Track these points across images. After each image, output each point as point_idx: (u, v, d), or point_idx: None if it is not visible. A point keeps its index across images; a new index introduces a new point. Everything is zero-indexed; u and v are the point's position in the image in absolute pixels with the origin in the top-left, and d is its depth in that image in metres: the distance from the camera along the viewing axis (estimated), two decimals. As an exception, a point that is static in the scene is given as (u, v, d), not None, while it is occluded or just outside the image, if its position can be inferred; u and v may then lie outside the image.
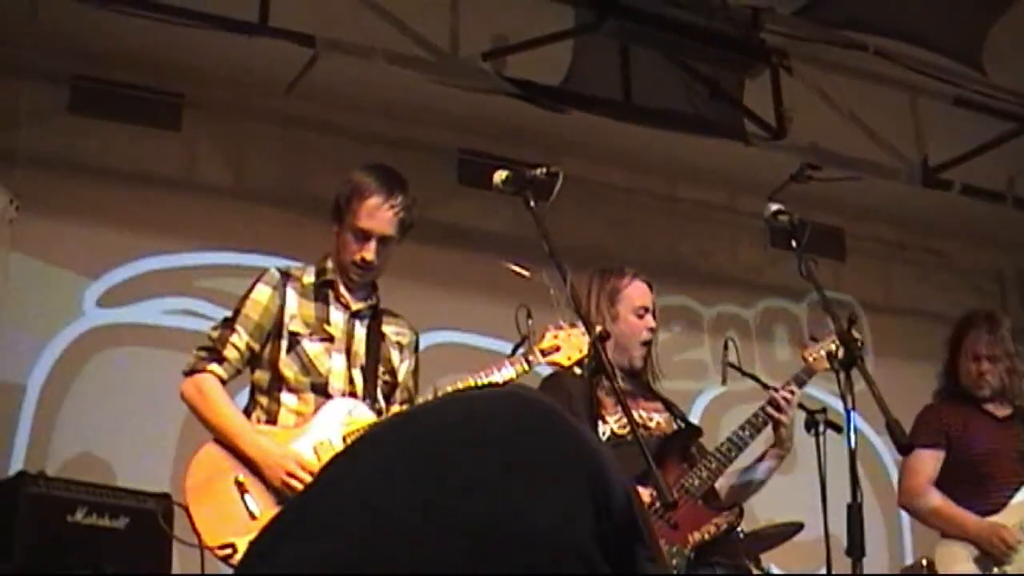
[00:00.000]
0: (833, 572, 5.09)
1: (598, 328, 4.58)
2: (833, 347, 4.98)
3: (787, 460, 5.31)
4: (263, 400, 4.90)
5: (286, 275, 5.03)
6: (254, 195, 8.17)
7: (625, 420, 4.93)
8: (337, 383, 4.87)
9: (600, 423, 5.00)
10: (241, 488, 4.62)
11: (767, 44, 7.45)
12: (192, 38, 6.91)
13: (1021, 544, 5.92)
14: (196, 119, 8.04)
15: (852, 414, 4.33)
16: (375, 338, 5.03)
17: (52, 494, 5.92)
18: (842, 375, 4.43)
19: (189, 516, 4.59)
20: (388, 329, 5.11)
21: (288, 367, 4.85)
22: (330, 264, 5.05)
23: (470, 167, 8.55)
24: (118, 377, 7.49)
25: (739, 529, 5.12)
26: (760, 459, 5.29)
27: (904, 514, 7.93)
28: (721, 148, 8.08)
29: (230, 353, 4.88)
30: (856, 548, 4.18)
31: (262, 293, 4.96)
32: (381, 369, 5.00)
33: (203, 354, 4.90)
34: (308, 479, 4.54)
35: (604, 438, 5.00)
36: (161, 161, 7.96)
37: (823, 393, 6.10)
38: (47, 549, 5.77)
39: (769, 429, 5.23)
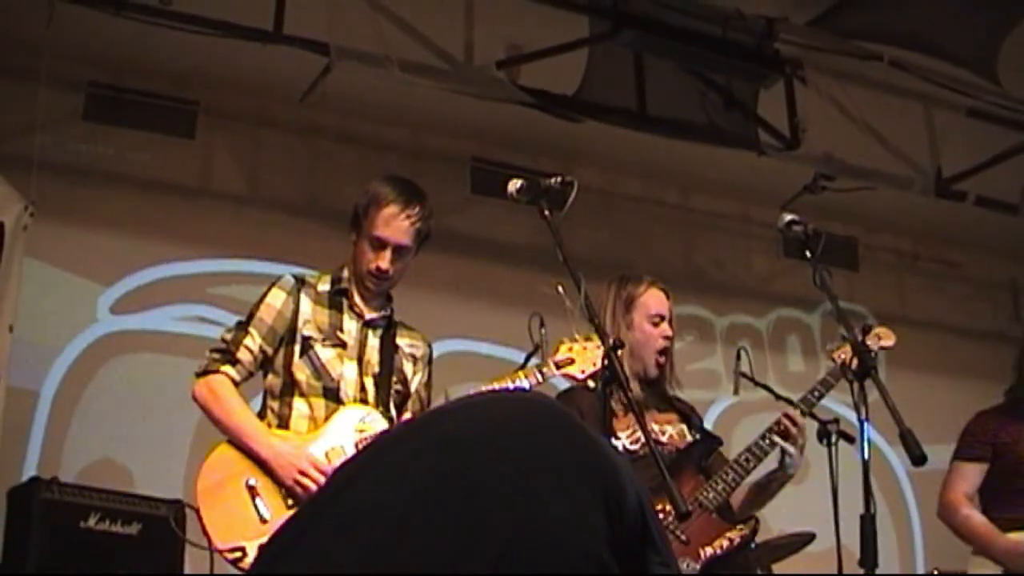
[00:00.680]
0: (845, 583, 5.07)
1: (611, 338, 4.59)
2: (848, 356, 4.97)
3: (799, 471, 5.29)
4: (275, 404, 4.91)
5: (301, 282, 5.04)
6: (268, 203, 8.19)
7: (637, 436, 4.92)
8: (349, 389, 4.87)
9: (612, 440, 4.97)
10: (252, 491, 4.63)
11: (781, 54, 7.44)
12: (207, 46, 6.92)
13: None
14: (211, 127, 8.07)
15: (867, 425, 4.32)
16: (388, 349, 5.04)
17: (65, 500, 5.93)
18: (855, 385, 4.42)
19: (199, 518, 4.60)
20: (402, 342, 5.12)
21: (301, 371, 4.86)
22: (346, 273, 5.06)
23: (484, 176, 8.56)
24: (131, 383, 7.51)
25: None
26: (772, 472, 5.26)
27: (916, 526, 7.92)
28: (735, 158, 8.08)
29: (243, 355, 4.89)
30: (869, 559, 4.17)
31: (277, 298, 4.97)
32: (394, 379, 5.01)
33: (216, 355, 4.91)
34: (321, 480, 4.56)
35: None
36: (175, 169, 7.98)
37: (835, 404, 6.09)
38: (60, 555, 5.79)
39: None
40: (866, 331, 4.68)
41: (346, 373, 4.90)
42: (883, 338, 5.45)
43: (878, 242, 10.20)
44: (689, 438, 5.28)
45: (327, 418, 4.82)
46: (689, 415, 5.44)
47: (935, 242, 10.30)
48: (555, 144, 8.50)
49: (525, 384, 4.82)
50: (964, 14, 7.40)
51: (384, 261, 4.91)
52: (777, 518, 6.67)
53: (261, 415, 4.92)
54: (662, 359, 5.34)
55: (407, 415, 5.03)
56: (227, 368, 4.87)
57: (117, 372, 7.55)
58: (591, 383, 4.92)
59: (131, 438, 7.33)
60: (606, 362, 4.31)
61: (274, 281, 5.06)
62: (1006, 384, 6.28)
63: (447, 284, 8.22)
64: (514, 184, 4.54)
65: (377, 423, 4.81)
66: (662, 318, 5.35)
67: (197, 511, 4.62)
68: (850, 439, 4.82)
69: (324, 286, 5.06)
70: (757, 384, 5.64)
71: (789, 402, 5.29)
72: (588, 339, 4.81)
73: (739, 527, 4.98)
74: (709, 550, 4.86)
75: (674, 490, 3.87)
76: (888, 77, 7.82)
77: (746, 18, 7.18)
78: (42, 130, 7.20)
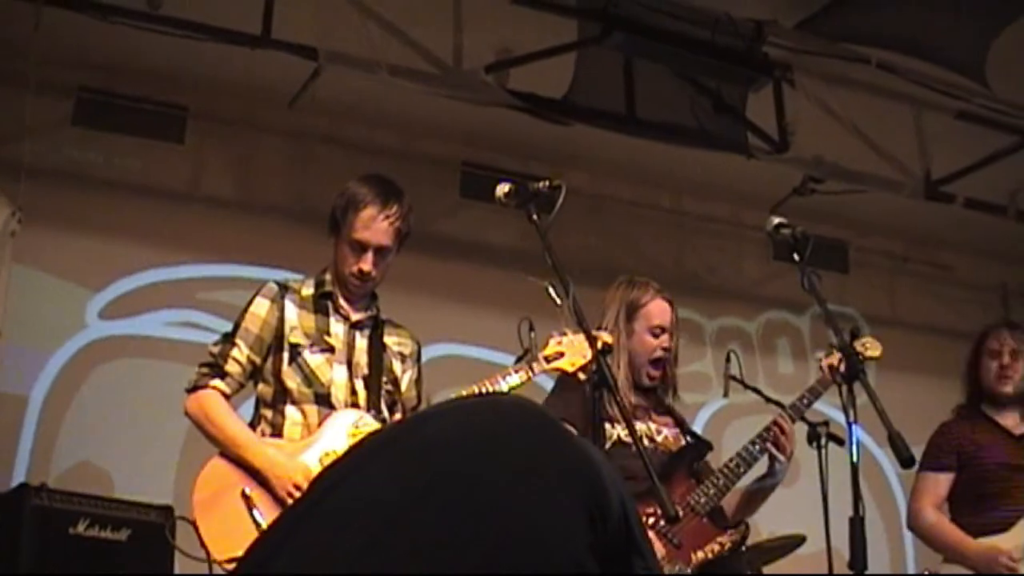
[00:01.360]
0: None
1: (600, 341, 4.60)
2: (837, 360, 4.98)
3: (790, 473, 5.30)
4: (268, 413, 4.89)
5: (284, 288, 5.03)
6: (258, 207, 8.18)
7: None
8: (340, 394, 4.86)
9: (609, 426, 4.97)
10: (248, 502, 4.61)
11: (770, 57, 7.44)
12: (196, 50, 6.92)
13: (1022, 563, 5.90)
14: (200, 131, 8.07)
15: (855, 427, 4.32)
16: (377, 349, 5.03)
17: (54, 506, 5.91)
18: (844, 388, 4.42)
19: (197, 531, 4.58)
20: (390, 340, 5.11)
21: (291, 378, 4.85)
22: (328, 276, 5.06)
23: (473, 180, 8.56)
24: (121, 389, 7.50)
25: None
26: (762, 478, 5.27)
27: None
28: (724, 161, 8.08)
29: (232, 367, 4.88)
30: (858, 561, 4.17)
31: (261, 306, 4.96)
32: (384, 379, 5.00)
33: (205, 370, 4.90)
34: None
35: (611, 443, 4.97)
36: (165, 173, 7.97)
37: (825, 406, 6.10)
38: (50, 562, 5.77)
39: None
40: (855, 335, 4.68)
41: (336, 377, 4.89)
42: (870, 348, 5.46)
43: (868, 244, 10.21)
44: (683, 442, 5.29)
45: (320, 424, 4.81)
46: (682, 422, 5.45)
47: (925, 244, 10.32)
48: (545, 148, 8.50)
49: (516, 379, 4.82)
50: (953, 17, 7.40)
51: (366, 263, 4.90)
52: (767, 520, 6.67)
53: (254, 424, 4.90)
54: (655, 371, 5.35)
55: (398, 415, 5.03)
56: (216, 382, 4.87)
57: (106, 377, 7.54)
58: (581, 375, 4.94)
59: (121, 443, 7.32)
60: (595, 367, 4.31)
61: (257, 289, 5.05)
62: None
63: (437, 288, 8.22)
64: (502, 188, 4.54)
65: (370, 425, 4.80)
66: (663, 330, 5.35)
67: (194, 524, 4.60)
68: (840, 441, 4.83)
69: (308, 290, 5.04)
70: (747, 387, 5.65)
71: (779, 405, 5.31)
72: (576, 332, 4.80)
73: (730, 532, 4.99)
74: (701, 554, 4.87)
75: (663, 495, 3.87)
76: (877, 80, 7.83)
77: (735, 21, 7.17)
78: (31, 136, 7.19)
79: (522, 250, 4.63)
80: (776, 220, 4.85)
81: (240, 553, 4.45)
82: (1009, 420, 6.29)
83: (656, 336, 5.34)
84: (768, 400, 5.53)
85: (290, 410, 4.85)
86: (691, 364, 9.08)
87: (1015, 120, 8.30)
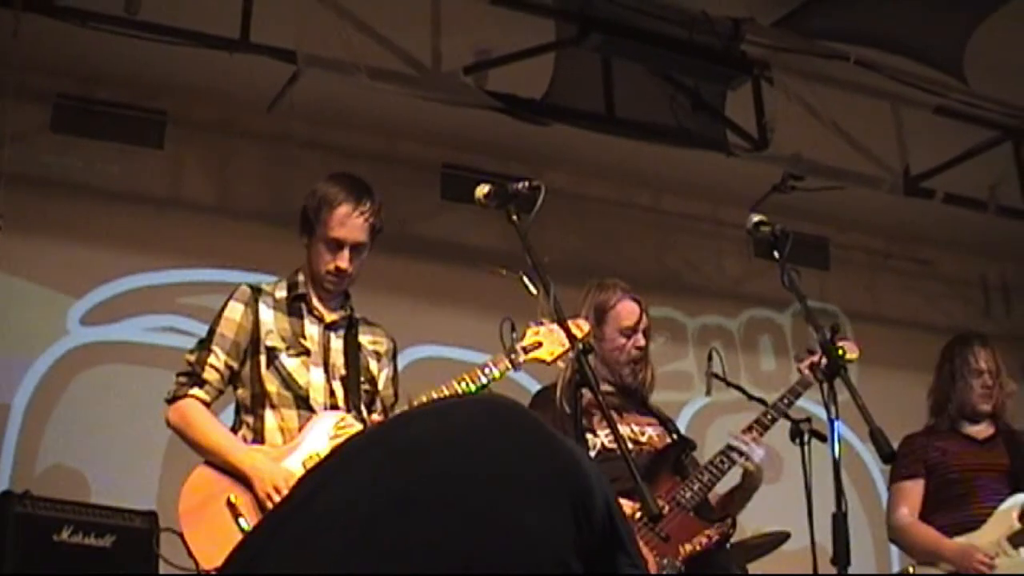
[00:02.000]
0: (819, 580, 5.09)
1: (580, 331, 4.61)
2: (817, 357, 4.99)
3: (774, 470, 5.32)
4: (248, 419, 4.88)
5: (257, 291, 5.02)
6: (238, 212, 8.17)
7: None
8: (318, 396, 4.86)
9: (591, 436, 4.99)
10: (233, 509, 4.60)
11: (748, 55, 7.45)
12: (173, 55, 6.90)
13: (999, 557, 5.92)
14: (179, 136, 8.06)
15: (837, 424, 4.33)
16: (352, 349, 5.03)
17: (38, 514, 5.90)
18: (825, 385, 4.43)
19: (184, 542, 4.57)
20: (364, 339, 5.10)
21: (270, 382, 4.84)
22: (301, 277, 5.05)
23: (454, 182, 8.56)
24: (103, 395, 7.48)
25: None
26: (741, 482, 5.28)
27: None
28: (704, 160, 8.09)
29: (209, 375, 4.87)
30: (841, 557, 4.18)
31: (235, 310, 4.95)
32: (361, 379, 5.00)
33: (183, 379, 4.89)
34: None
35: (595, 452, 4.99)
36: (144, 179, 7.96)
37: (809, 403, 6.11)
38: (34, 569, 5.76)
39: (768, 435, 5.23)
40: (835, 331, 4.69)
41: (313, 380, 4.88)
42: (848, 353, 5.47)
43: (848, 241, 10.24)
44: (668, 440, 5.30)
45: (301, 428, 4.81)
46: (666, 420, 5.46)
47: (905, 240, 10.34)
48: (525, 149, 8.50)
49: (496, 372, 4.82)
50: (930, 13, 7.42)
51: (343, 261, 4.91)
52: (752, 517, 6.66)
53: (235, 429, 4.89)
54: (638, 369, 5.36)
55: (376, 414, 5.03)
56: (196, 391, 4.86)
57: (88, 384, 7.53)
58: (560, 363, 4.96)
59: (104, 450, 7.31)
60: (577, 366, 4.31)
61: (230, 294, 5.04)
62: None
63: (419, 290, 8.22)
64: (482, 190, 4.53)
65: (352, 427, 4.79)
66: (633, 330, 5.35)
67: (181, 535, 4.59)
68: (823, 438, 4.83)
69: (281, 292, 5.04)
70: (729, 385, 5.66)
71: (761, 402, 5.33)
72: (554, 322, 4.80)
73: (717, 525, 5.01)
74: (688, 547, 4.89)
75: (645, 491, 3.87)
76: (855, 76, 7.84)
77: (712, 20, 7.18)
78: (10, 142, 7.16)
79: (504, 251, 4.61)
80: (756, 218, 4.84)
81: (228, 561, 4.46)
82: (975, 430, 6.33)
83: (628, 337, 5.35)
84: (751, 398, 5.54)
85: (270, 414, 4.84)
86: (673, 363, 9.09)
87: (993, 115, 8.33)
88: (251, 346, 4.91)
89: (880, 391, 7.46)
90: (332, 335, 5.02)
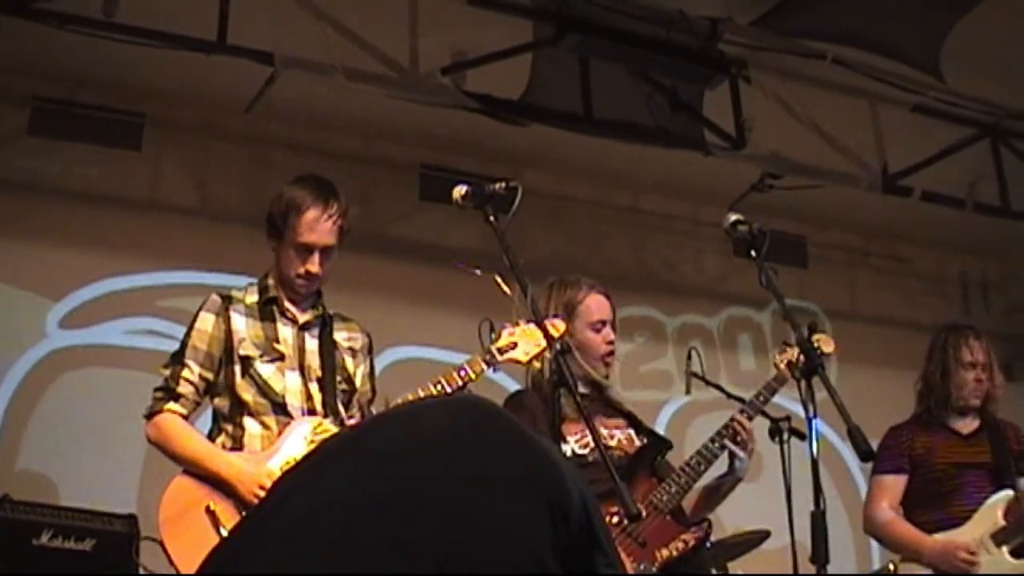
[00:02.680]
0: (799, 579, 5.09)
1: (558, 340, 4.61)
2: (795, 355, 4.99)
3: (753, 468, 5.30)
4: (227, 427, 4.86)
5: (228, 299, 5.00)
6: (216, 214, 8.16)
7: (587, 441, 4.91)
8: (295, 401, 4.85)
9: (562, 443, 4.96)
10: (213, 517, 4.59)
11: (726, 55, 7.47)
12: (151, 57, 6.89)
13: (981, 555, 5.92)
14: (157, 139, 8.05)
15: (816, 422, 4.33)
16: (327, 348, 5.02)
17: (17, 518, 5.89)
18: (803, 383, 4.43)
19: (165, 550, 4.56)
20: (339, 336, 5.09)
21: (246, 391, 4.83)
22: (271, 281, 5.03)
23: (432, 182, 8.56)
24: (82, 399, 7.47)
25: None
26: (723, 476, 5.26)
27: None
28: (683, 159, 8.11)
29: (184, 388, 4.86)
30: (820, 555, 4.18)
31: (206, 321, 4.94)
32: (338, 379, 4.99)
33: (159, 395, 4.88)
34: None
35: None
36: (123, 181, 7.94)
37: (788, 401, 6.13)
38: (13, 573, 5.74)
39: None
40: (812, 329, 4.69)
41: (289, 385, 4.86)
42: (823, 345, 5.46)
43: (827, 239, 10.27)
44: (638, 443, 5.25)
45: (279, 434, 4.80)
46: (636, 420, 5.42)
47: (884, 238, 10.38)
48: (504, 149, 8.51)
49: (470, 373, 4.82)
50: (906, 11, 7.44)
51: (314, 265, 4.89)
52: (732, 516, 6.70)
53: (213, 437, 4.87)
54: (610, 362, 5.35)
55: (354, 411, 5.02)
56: (172, 405, 4.84)
57: (68, 387, 7.51)
58: (536, 363, 4.95)
59: (83, 453, 7.29)
60: (555, 366, 4.31)
61: (201, 304, 5.02)
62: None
63: (397, 291, 8.21)
64: (459, 190, 4.52)
65: (328, 431, 4.78)
66: (604, 323, 5.34)
67: (161, 544, 4.58)
68: (802, 436, 4.84)
69: (252, 298, 5.01)
70: (709, 384, 5.67)
71: (741, 401, 5.31)
72: (529, 322, 4.80)
73: (693, 529, 4.98)
74: (665, 552, 4.85)
75: (624, 493, 3.87)
76: (832, 75, 7.87)
77: (689, 19, 7.19)
78: (-13, 146, 7.17)
79: (482, 252, 4.61)
80: (733, 217, 4.83)
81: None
82: (961, 424, 6.32)
83: (598, 331, 5.33)
84: (730, 396, 5.54)
85: (249, 422, 4.83)
86: (653, 362, 9.11)
87: (971, 112, 8.37)
88: (225, 355, 4.90)
89: (859, 388, 7.50)
90: (307, 335, 5.01)
